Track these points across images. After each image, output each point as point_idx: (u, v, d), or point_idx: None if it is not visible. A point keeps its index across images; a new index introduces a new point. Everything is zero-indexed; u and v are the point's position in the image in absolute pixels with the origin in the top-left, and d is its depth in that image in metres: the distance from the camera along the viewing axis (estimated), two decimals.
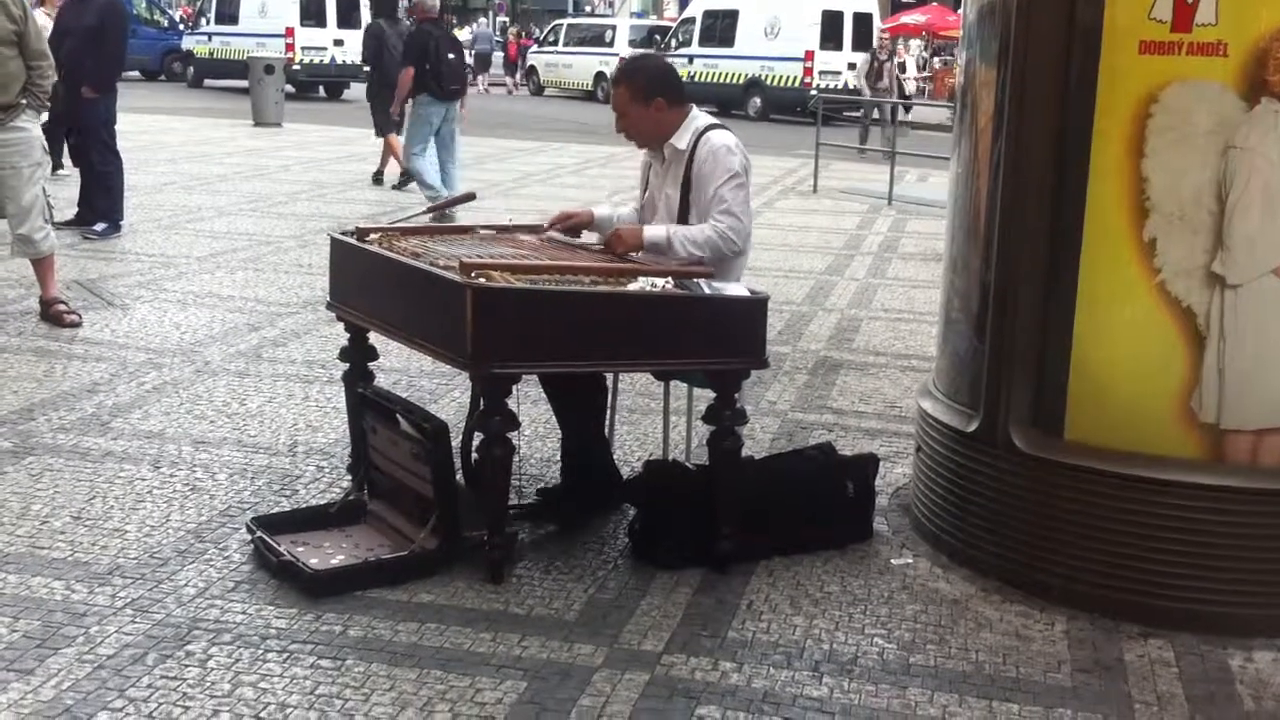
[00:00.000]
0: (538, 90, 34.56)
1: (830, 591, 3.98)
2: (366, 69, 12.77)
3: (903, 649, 3.63)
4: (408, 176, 12.28)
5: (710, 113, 4.78)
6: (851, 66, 26.43)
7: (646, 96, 4.36)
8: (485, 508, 3.94)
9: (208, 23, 29.04)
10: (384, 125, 12.87)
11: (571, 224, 4.60)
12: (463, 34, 42.28)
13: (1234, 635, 3.74)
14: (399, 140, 12.41)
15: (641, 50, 5.61)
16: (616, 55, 31.35)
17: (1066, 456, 3.90)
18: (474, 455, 4.07)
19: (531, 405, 5.33)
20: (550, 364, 3.94)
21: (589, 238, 4.76)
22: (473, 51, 36.56)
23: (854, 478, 4.42)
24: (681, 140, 4.39)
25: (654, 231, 4.33)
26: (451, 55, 11.09)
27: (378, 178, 13.33)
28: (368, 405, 4.31)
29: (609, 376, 4.65)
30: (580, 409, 4.46)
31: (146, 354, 6.32)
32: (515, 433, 3.87)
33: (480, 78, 35.50)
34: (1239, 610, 3.76)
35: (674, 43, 29.54)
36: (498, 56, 39.09)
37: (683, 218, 4.40)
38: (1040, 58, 3.83)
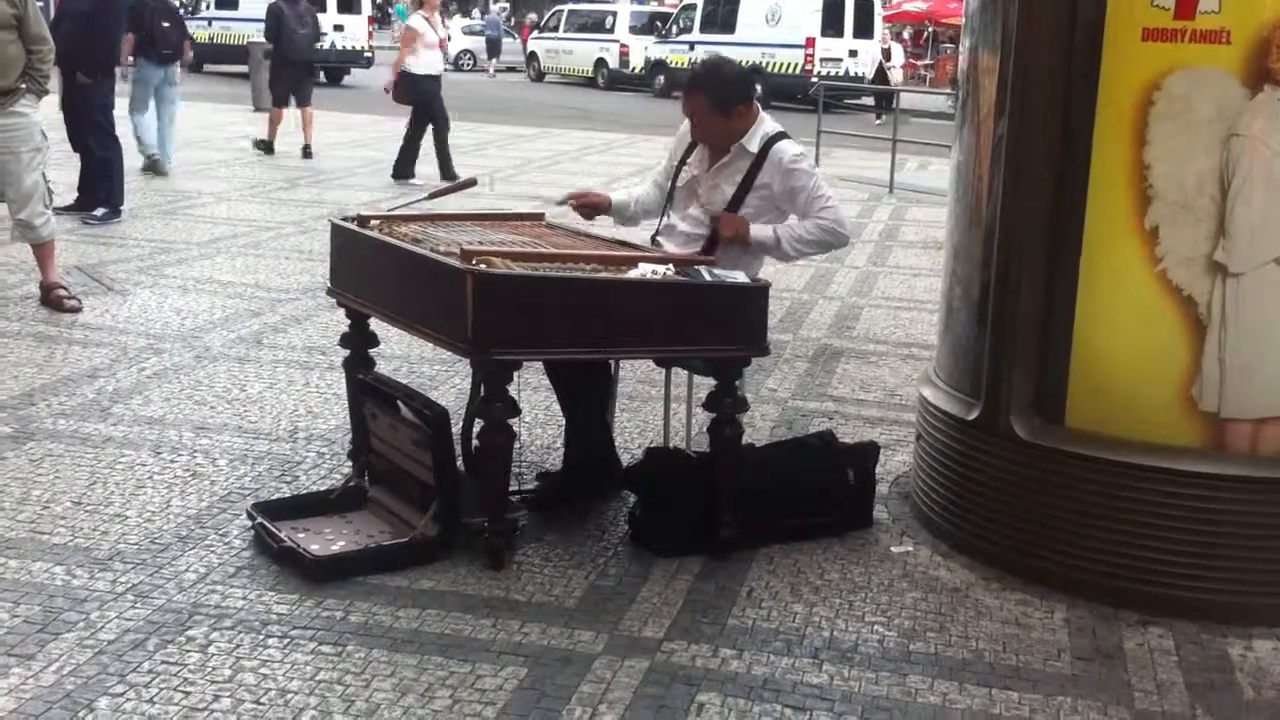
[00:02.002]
0: (538, 76, 34.50)
1: (830, 579, 3.99)
2: (270, 46, 14.25)
3: (903, 636, 3.63)
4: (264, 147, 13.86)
5: None
6: (853, 54, 26.42)
7: (726, 105, 4.42)
8: (486, 494, 3.94)
9: (207, 8, 28.97)
10: (280, 98, 13.97)
11: (588, 202, 4.70)
12: (471, 21, 42.78)
13: (1234, 624, 3.75)
14: (303, 111, 13.86)
15: (716, 56, 5.66)
16: (617, 41, 31.40)
17: (1067, 444, 3.89)
18: (475, 442, 4.07)
19: (532, 392, 5.33)
20: (551, 350, 3.94)
21: (604, 223, 4.78)
22: (484, 37, 37.49)
23: (854, 465, 4.42)
24: (753, 142, 4.45)
25: (761, 231, 4.39)
26: (166, 23, 12.03)
27: (273, 149, 14.09)
28: (368, 391, 4.31)
29: (611, 364, 4.65)
30: (586, 396, 4.46)
31: (147, 339, 6.32)
32: (516, 419, 3.87)
33: (490, 62, 36.60)
34: (1239, 599, 3.77)
35: (675, 29, 29.47)
36: (510, 44, 39.54)
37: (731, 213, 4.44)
38: (1042, 45, 3.82)
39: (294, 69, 13.86)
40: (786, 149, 4.45)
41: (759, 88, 4.46)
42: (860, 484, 4.42)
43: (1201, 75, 3.63)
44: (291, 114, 13.99)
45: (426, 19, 13.04)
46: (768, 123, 4.53)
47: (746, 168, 4.44)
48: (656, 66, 29.53)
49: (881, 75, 24.53)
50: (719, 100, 4.41)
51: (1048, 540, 3.94)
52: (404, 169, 12.73)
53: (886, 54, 25.83)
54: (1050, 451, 3.91)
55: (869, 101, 25.33)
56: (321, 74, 27.95)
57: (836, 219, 4.39)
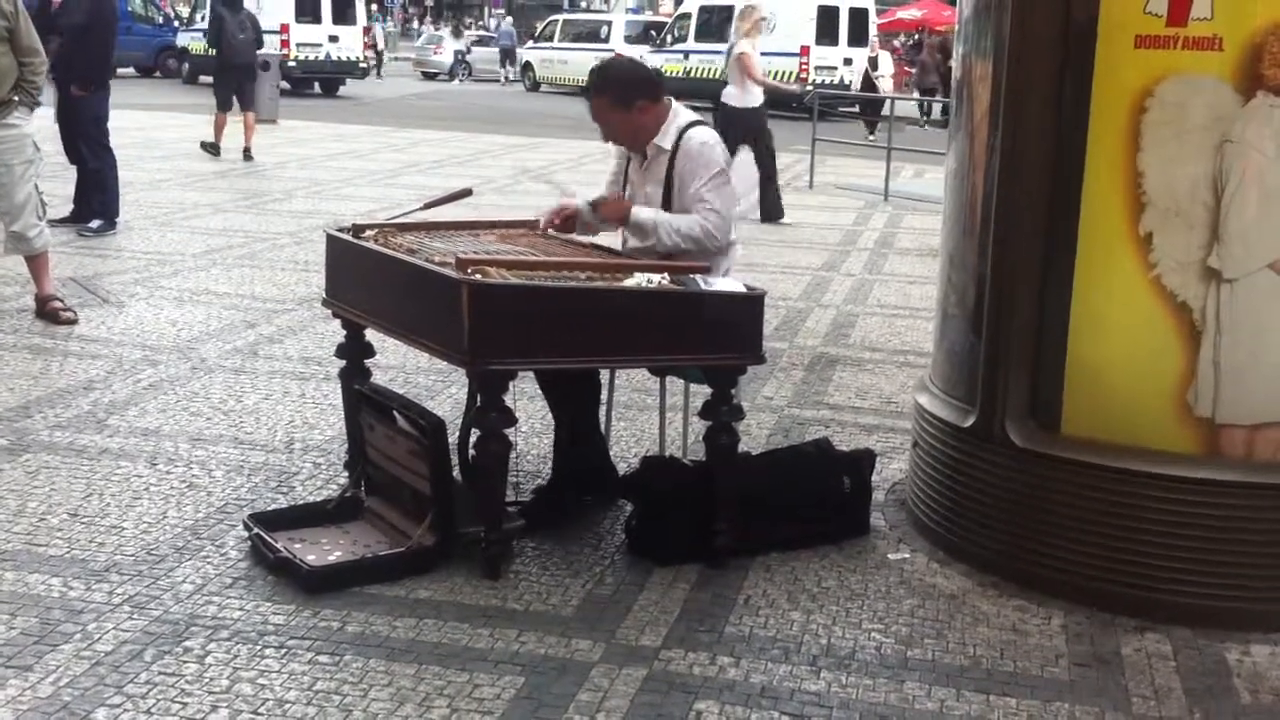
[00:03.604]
0: (534, 86, 34.54)
1: (827, 586, 3.99)
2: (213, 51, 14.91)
3: (900, 643, 3.63)
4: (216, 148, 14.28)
5: (706, 108, 4.78)
6: (848, 62, 26.39)
7: (627, 101, 4.37)
8: (482, 504, 3.94)
9: (203, 19, 28.97)
10: (225, 102, 14.38)
11: (564, 216, 4.62)
12: (484, 32, 43.87)
13: (1231, 629, 3.75)
14: (245, 115, 14.33)
15: (613, 56, 5.59)
16: (612, 51, 31.37)
17: (1063, 451, 3.90)
18: (471, 451, 4.07)
19: (528, 401, 5.33)
20: (547, 360, 3.94)
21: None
22: (499, 47, 39.47)
23: (850, 473, 4.42)
24: (665, 139, 4.40)
25: (642, 212, 4.36)
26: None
27: (220, 151, 14.33)
28: (365, 402, 4.30)
29: (604, 372, 4.65)
30: (579, 405, 4.46)
31: (143, 351, 6.32)
32: (512, 429, 3.87)
33: (502, 71, 38.11)
34: (1236, 604, 3.77)
35: (669, 38, 29.50)
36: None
37: None
38: (1036, 52, 3.83)
39: (236, 73, 14.38)
40: (694, 136, 4.37)
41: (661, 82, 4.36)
42: (857, 491, 4.43)
43: (1194, 82, 3.64)
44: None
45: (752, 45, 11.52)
46: (682, 115, 4.45)
47: (666, 165, 4.40)
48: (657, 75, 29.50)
49: (869, 86, 23.51)
50: (617, 98, 4.36)
51: (1044, 546, 3.95)
52: (773, 210, 11.45)
53: (873, 63, 25.01)
54: (1046, 458, 3.92)
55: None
56: (316, 85, 28.16)
57: (709, 225, 4.27)
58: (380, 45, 37.81)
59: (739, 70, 11.25)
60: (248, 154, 14.34)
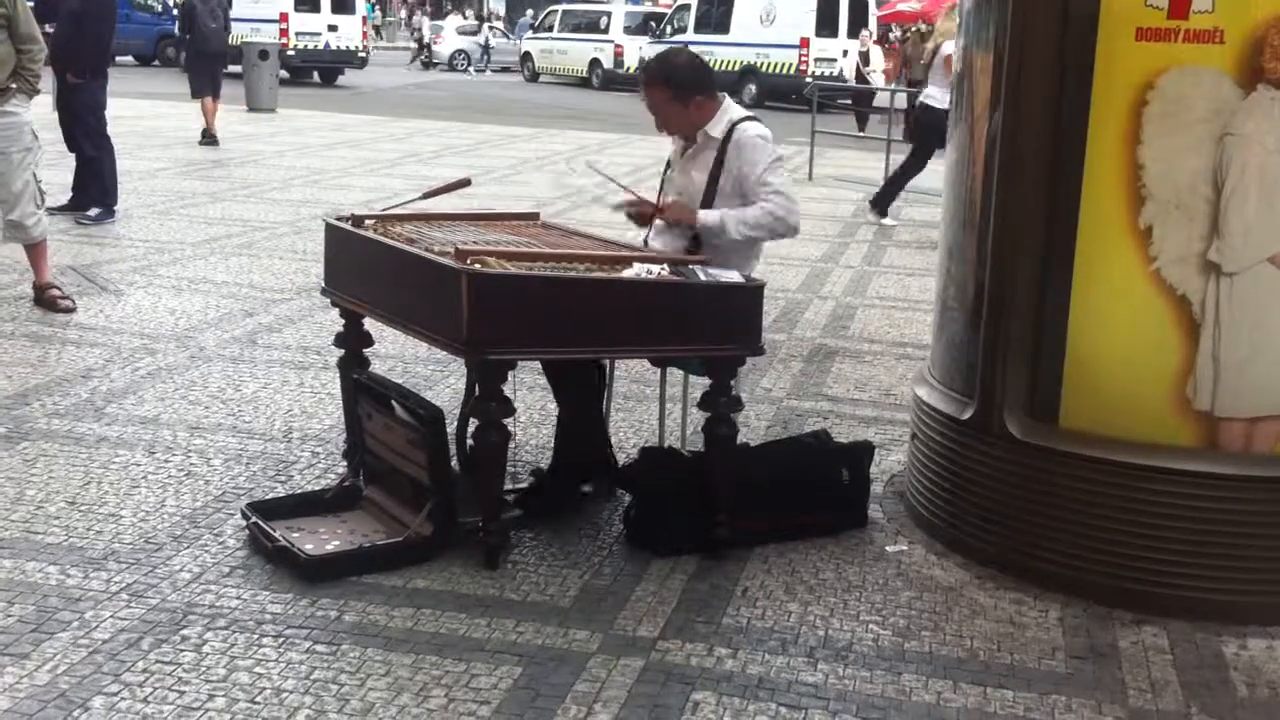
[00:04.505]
0: (533, 76, 34.50)
1: (825, 578, 3.99)
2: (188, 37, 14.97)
3: (897, 635, 3.64)
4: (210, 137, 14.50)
5: None
6: (847, 54, 26.34)
7: (686, 96, 4.39)
8: (481, 494, 3.94)
9: None
10: (200, 88, 14.54)
11: (646, 215, 4.58)
12: (494, 24, 44.46)
13: (1228, 622, 3.75)
14: (211, 103, 14.40)
15: (669, 46, 5.50)
16: (612, 41, 31.40)
17: (1061, 444, 3.90)
18: (469, 441, 4.07)
19: (527, 391, 5.33)
20: (546, 350, 3.94)
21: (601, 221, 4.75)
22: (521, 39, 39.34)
23: (849, 465, 4.42)
24: (716, 129, 4.42)
25: (708, 215, 4.36)
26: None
27: (209, 137, 14.48)
28: (363, 391, 4.30)
29: (605, 362, 4.65)
30: (581, 394, 4.45)
31: (141, 339, 6.31)
32: (511, 419, 3.87)
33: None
34: (1233, 597, 3.77)
35: (669, 29, 29.46)
36: (506, 44, 40.86)
37: (706, 204, 4.40)
38: (1036, 44, 3.82)
39: (208, 61, 14.60)
40: (748, 129, 4.40)
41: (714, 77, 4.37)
42: (855, 483, 4.43)
43: (1195, 74, 3.64)
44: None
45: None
46: (734, 109, 4.49)
47: (714, 153, 4.42)
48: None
49: (860, 81, 23.14)
50: (677, 92, 4.38)
51: (1042, 539, 3.95)
52: (884, 201, 11.50)
53: (865, 57, 24.40)
54: (1044, 451, 3.92)
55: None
56: (315, 74, 28.12)
57: (776, 209, 4.31)
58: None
59: (944, 71, 10.58)
60: (209, 137, 14.52)
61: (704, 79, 4.48)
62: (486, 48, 38.99)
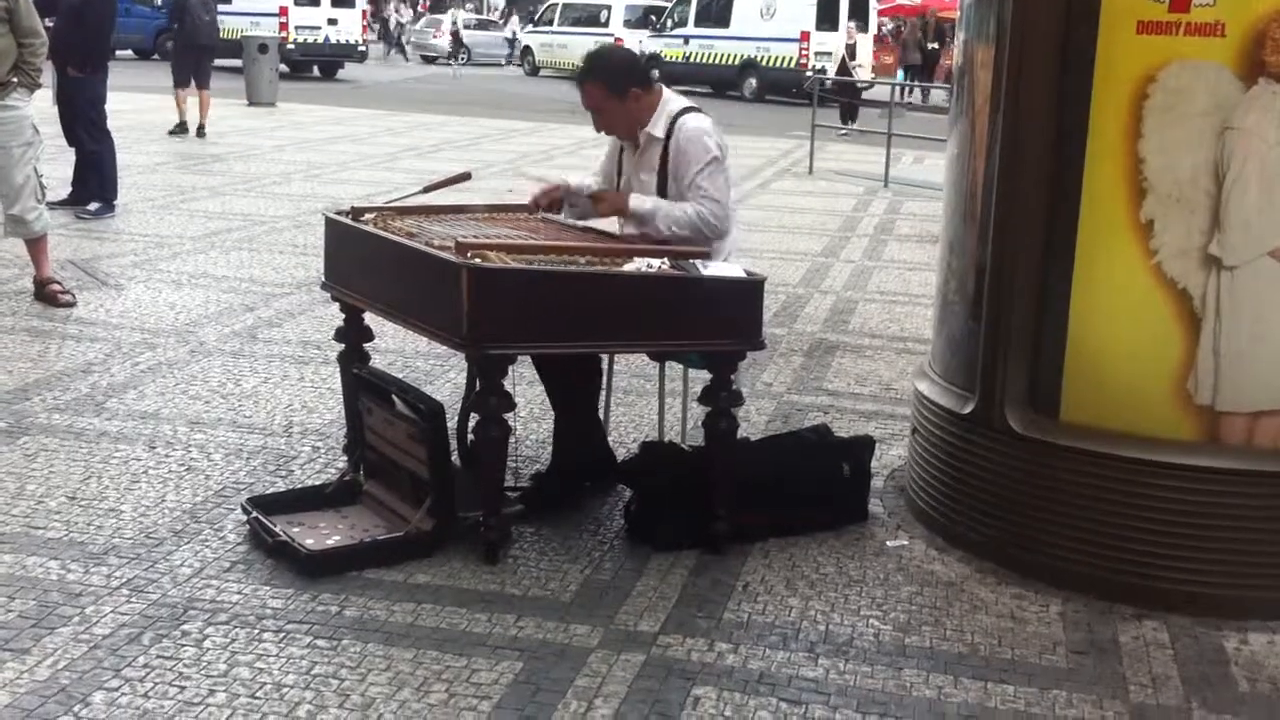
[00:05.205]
0: (533, 70, 34.47)
1: (826, 573, 3.99)
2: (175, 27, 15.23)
3: (898, 630, 3.64)
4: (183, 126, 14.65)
5: (705, 94, 4.77)
6: (833, 52, 26.23)
7: (621, 89, 4.35)
8: (481, 489, 3.94)
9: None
10: (182, 79, 14.65)
11: (555, 197, 4.61)
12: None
13: (1229, 617, 3.75)
14: (200, 93, 14.63)
15: (602, 45, 5.53)
16: (612, 35, 31.34)
17: (1062, 438, 3.90)
18: (470, 436, 4.06)
19: (528, 386, 5.32)
20: (546, 344, 3.93)
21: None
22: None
23: (850, 459, 4.42)
24: (657, 127, 4.38)
25: (640, 201, 4.34)
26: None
27: (189, 129, 14.63)
28: (363, 386, 4.30)
29: (604, 358, 4.64)
30: (578, 391, 4.45)
31: (141, 334, 6.31)
32: (511, 414, 3.86)
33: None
34: (1234, 592, 3.77)
35: (669, 23, 29.43)
36: (490, 38, 40.26)
37: None
38: (1037, 38, 3.81)
39: (197, 53, 14.73)
40: (687, 123, 4.34)
41: (655, 71, 4.38)
42: (855, 478, 4.42)
43: (1196, 68, 3.63)
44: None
45: None
46: (673, 101, 4.44)
47: (659, 153, 4.39)
48: (651, 61, 29.49)
49: (845, 75, 22.24)
50: (611, 86, 4.36)
51: (1043, 534, 3.95)
52: (183, 129, 13.17)
53: (851, 51, 23.63)
54: (1045, 445, 3.91)
55: (866, 96, 24.37)
56: (315, 68, 28.09)
57: (706, 213, 4.25)
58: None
59: None
60: (201, 131, 14.57)
61: (638, 71, 4.47)
62: (458, 40, 37.88)
